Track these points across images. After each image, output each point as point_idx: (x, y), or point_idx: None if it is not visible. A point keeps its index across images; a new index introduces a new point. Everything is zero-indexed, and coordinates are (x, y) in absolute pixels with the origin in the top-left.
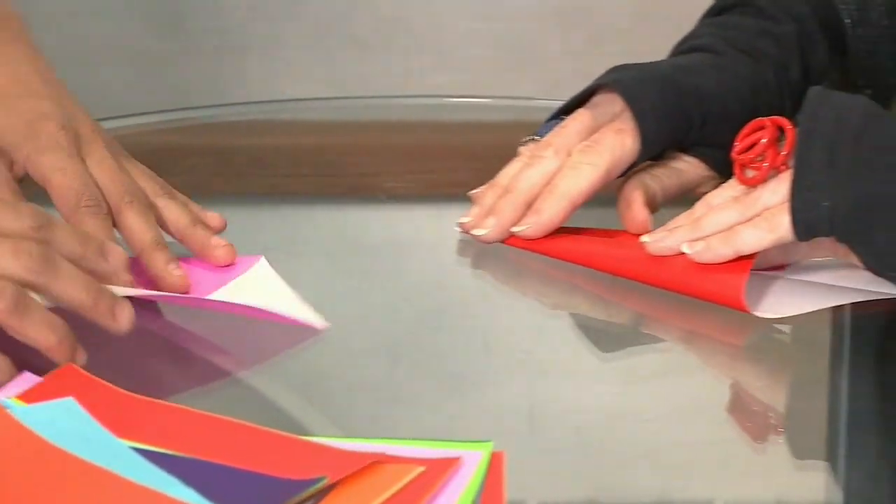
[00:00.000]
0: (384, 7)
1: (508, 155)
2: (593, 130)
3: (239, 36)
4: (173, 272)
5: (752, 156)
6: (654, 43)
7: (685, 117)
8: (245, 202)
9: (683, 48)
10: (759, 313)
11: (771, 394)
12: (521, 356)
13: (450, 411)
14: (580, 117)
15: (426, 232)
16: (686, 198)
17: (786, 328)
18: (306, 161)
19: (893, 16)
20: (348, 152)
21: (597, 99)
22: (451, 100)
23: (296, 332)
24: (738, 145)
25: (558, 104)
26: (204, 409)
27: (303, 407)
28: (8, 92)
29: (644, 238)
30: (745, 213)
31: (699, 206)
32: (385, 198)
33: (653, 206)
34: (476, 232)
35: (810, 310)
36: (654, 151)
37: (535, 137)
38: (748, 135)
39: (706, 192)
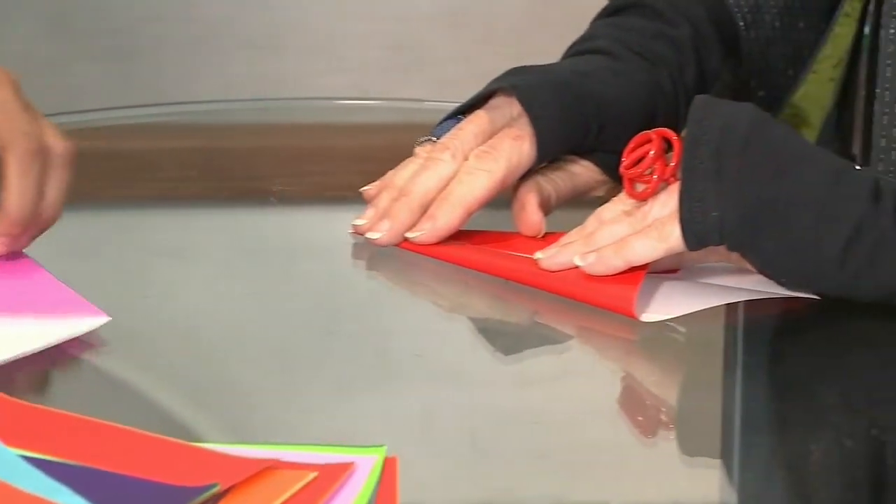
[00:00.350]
0: (276, 8)
1: (399, 157)
2: (490, 134)
3: (128, 38)
4: None
5: (640, 170)
6: (546, 44)
7: (583, 123)
8: (133, 207)
9: (579, 49)
10: (649, 317)
11: (665, 394)
12: (415, 359)
13: (343, 416)
14: (477, 120)
15: (318, 235)
16: (581, 200)
17: (680, 328)
18: (196, 164)
19: (786, 17)
20: (238, 155)
21: (495, 101)
22: (341, 102)
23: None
24: (626, 160)
25: (449, 106)
26: (93, 415)
27: (194, 412)
28: None
29: (537, 255)
30: (636, 227)
31: (591, 222)
32: (275, 201)
33: (546, 208)
34: (370, 235)
35: (700, 308)
36: (550, 157)
37: (432, 138)
38: (635, 149)
39: (599, 196)
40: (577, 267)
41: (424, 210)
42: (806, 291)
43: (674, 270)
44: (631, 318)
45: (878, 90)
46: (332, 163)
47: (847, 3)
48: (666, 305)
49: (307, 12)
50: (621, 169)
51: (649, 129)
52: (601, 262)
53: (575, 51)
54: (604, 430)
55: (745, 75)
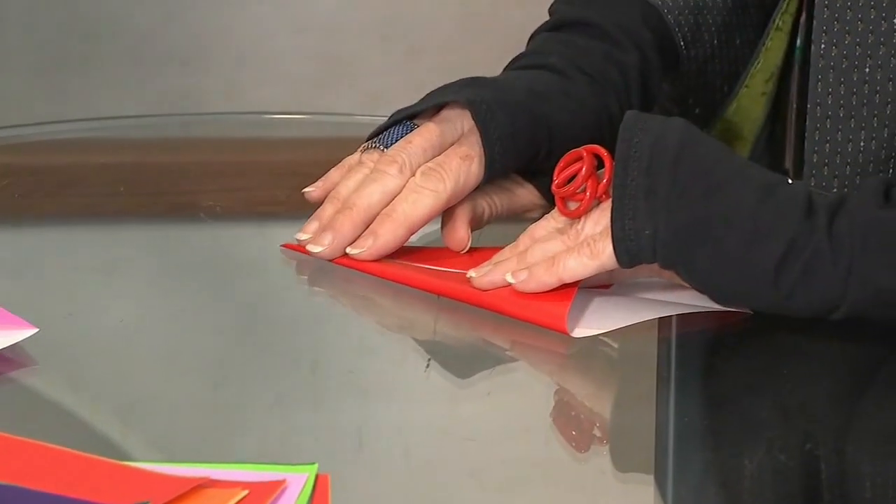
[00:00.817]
0: (203, 21)
1: (328, 171)
2: (439, 148)
3: (55, 52)
4: None
5: (573, 188)
6: (476, 57)
7: (533, 147)
8: (60, 223)
9: (529, 63)
10: (581, 332)
11: (598, 409)
12: (347, 375)
13: (275, 433)
14: (427, 133)
15: (249, 250)
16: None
17: (613, 343)
18: (124, 180)
19: (723, 34)
20: (167, 170)
21: (447, 113)
22: (270, 116)
23: None
24: (557, 178)
25: (380, 120)
26: (20, 434)
27: (123, 431)
28: None
29: (470, 273)
30: (569, 245)
31: (523, 240)
32: (205, 216)
33: (477, 224)
34: (312, 248)
35: (632, 323)
36: (497, 177)
37: (380, 147)
38: (566, 167)
39: (534, 218)
40: (509, 284)
41: (367, 224)
42: (740, 308)
43: (606, 286)
44: (563, 334)
45: (809, 105)
46: (262, 178)
47: (778, 17)
48: (598, 320)
49: (234, 25)
50: (553, 187)
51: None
52: (533, 279)
53: (524, 64)
54: (537, 445)
55: (682, 92)
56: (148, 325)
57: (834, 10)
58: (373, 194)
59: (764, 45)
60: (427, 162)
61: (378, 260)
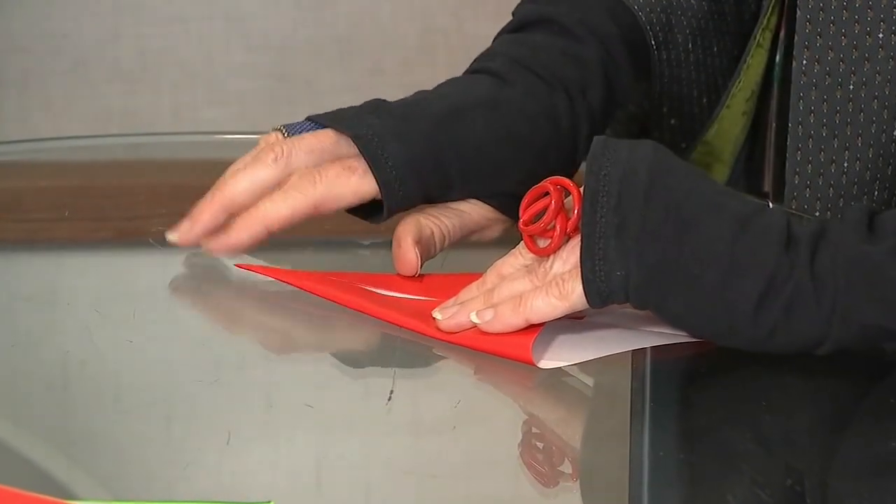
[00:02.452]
0: (150, 38)
1: None
2: (330, 154)
3: None
4: None
5: (541, 225)
6: (436, 74)
7: (440, 171)
8: (0, 250)
9: (473, 68)
10: (548, 364)
11: (568, 443)
12: (304, 409)
13: (229, 470)
14: (324, 136)
15: (200, 278)
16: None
17: (584, 373)
18: (68, 204)
19: (699, 38)
20: (114, 194)
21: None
22: (222, 136)
23: None
24: (524, 216)
25: None
26: None
27: (68, 468)
28: None
29: (435, 314)
30: (536, 284)
31: (490, 276)
32: (154, 242)
33: (429, 247)
34: (168, 235)
35: (602, 355)
36: (406, 206)
37: (283, 131)
38: (532, 202)
39: (495, 236)
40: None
41: (229, 212)
42: (719, 344)
43: (579, 317)
44: (529, 365)
45: (790, 124)
46: None
47: (759, 33)
48: (567, 351)
49: (183, 41)
50: (520, 225)
51: (532, 163)
52: (499, 319)
53: (470, 69)
54: (505, 482)
55: (656, 100)
56: (94, 357)
57: (816, 25)
58: (239, 182)
59: (745, 63)
60: (305, 162)
61: (339, 286)
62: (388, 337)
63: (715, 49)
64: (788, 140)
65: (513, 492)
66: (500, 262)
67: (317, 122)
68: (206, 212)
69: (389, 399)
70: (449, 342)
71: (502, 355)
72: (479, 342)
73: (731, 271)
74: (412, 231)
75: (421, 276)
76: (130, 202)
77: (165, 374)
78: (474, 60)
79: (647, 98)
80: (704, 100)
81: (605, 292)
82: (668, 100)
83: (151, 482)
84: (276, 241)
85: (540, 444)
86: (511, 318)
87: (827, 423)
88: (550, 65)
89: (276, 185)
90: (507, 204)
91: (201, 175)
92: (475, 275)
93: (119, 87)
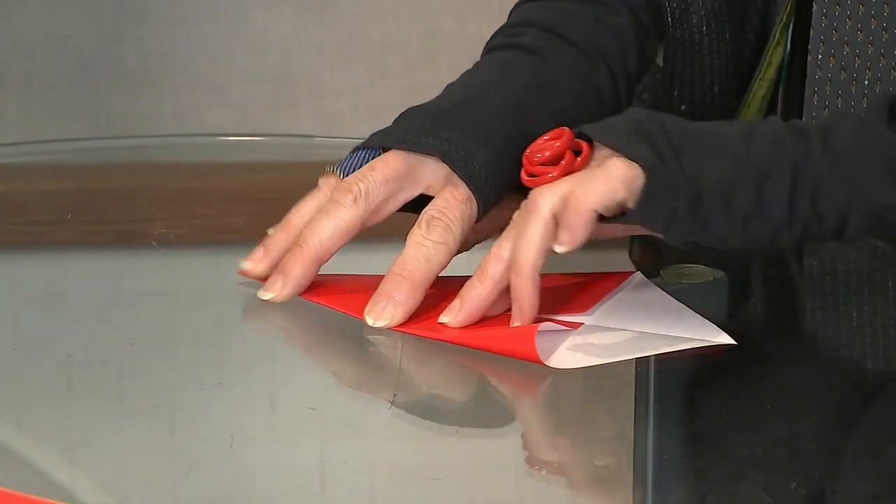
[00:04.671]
0: (152, 40)
1: (288, 197)
2: (406, 181)
3: None
4: None
5: (548, 157)
6: (438, 78)
7: (518, 167)
8: (2, 253)
9: (504, 43)
10: (556, 362)
11: (572, 446)
12: (308, 412)
13: (231, 473)
14: (393, 162)
15: (202, 281)
16: None
17: (587, 377)
18: (70, 207)
19: (713, 22)
20: (115, 197)
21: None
22: (224, 138)
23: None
24: (531, 148)
25: (342, 142)
26: None
27: (70, 471)
28: None
29: (443, 319)
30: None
31: (492, 264)
32: (156, 245)
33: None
34: (262, 295)
35: (609, 361)
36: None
37: (338, 173)
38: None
39: None
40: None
41: (321, 262)
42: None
43: (576, 325)
44: (536, 363)
45: (804, 119)
46: (216, 204)
47: (777, 30)
48: (571, 356)
49: (185, 44)
50: (525, 154)
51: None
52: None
53: (499, 44)
54: (507, 485)
55: (668, 82)
56: (96, 360)
57: (832, 20)
58: (324, 229)
59: (765, 60)
60: (384, 194)
61: (342, 294)
62: (391, 339)
63: (728, 36)
64: None
65: (516, 495)
66: (493, 249)
67: (375, 146)
68: (299, 266)
69: (392, 402)
70: (454, 343)
71: (508, 354)
72: (485, 342)
73: (757, 181)
74: None
75: None
76: (132, 205)
77: (168, 375)
78: (498, 32)
79: (657, 78)
80: (716, 88)
81: (656, 204)
82: (680, 83)
83: (153, 484)
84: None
85: (544, 448)
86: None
87: (833, 426)
88: (587, 35)
89: (361, 225)
90: None
91: (204, 177)
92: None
93: (121, 90)
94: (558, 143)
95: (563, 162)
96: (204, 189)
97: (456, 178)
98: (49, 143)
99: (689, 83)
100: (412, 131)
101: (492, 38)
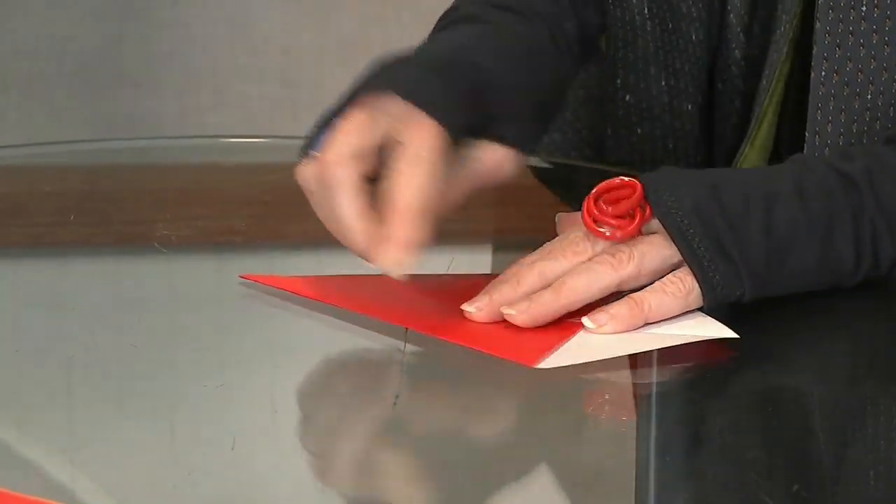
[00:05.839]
0: (155, 41)
1: (289, 198)
2: (382, 131)
3: None
4: None
5: (619, 211)
6: None
7: (474, 99)
8: (4, 255)
9: (445, 24)
10: (548, 364)
11: (572, 448)
12: (310, 415)
13: (233, 479)
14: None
15: (205, 284)
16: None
17: (587, 376)
18: (72, 209)
19: (654, 6)
20: (118, 198)
21: (372, 100)
22: (226, 140)
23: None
24: (596, 192)
25: None
26: None
27: (72, 474)
28: None
29: (468, 308)
30: (618, 268)
31: (530, 278)
32: (159, 247)
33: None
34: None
35: (606, 357)
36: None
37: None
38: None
39: (508, 176)
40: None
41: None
42: None
43: (577, 326)
44: (526, 366)
45: (807, 134)
46: (220, 206)
47: (785, 43)
48: (565, 352)
49: (187, 45)
50: (590, 202)
51: (537, 88)
52: (618, 321)
53: (441, 25)
54: (508, 486)
55: (611, 68)
56: (98, 363)
57: (836, 36)
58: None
59: (774, 74)
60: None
61: (343, 290)
62: (393, 340)
63: (671, 26)
64: (805, 149)
65: (518, 496)
66: (536, 263)
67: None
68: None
69: (395, 403)
70: (460, 344)
71: (506, 358)
72: (491, 345)
73: (821, 247)
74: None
75: (432, 276)
76: (135, 206)
77: (170, 378)
78: (439, 20)
79: (599, 67)
80: (663, 83)
81: (721, 302)
82: (623, 71)
83: (155, 488)
84: (274, 247)
85: (545, 449)
86: (631, 319)
87: (836, 428)
88: (522, 1)
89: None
90: (521, 136)
91: (206, 179)
92: (489, 276)
93: (123, 91)
94: (631, 199)
95: (633, 220)
96: (207, 191)
97: (406, 116)
98: (51, 145)
99: (633, 70)
100: (358, 84)
101: (435, 26)
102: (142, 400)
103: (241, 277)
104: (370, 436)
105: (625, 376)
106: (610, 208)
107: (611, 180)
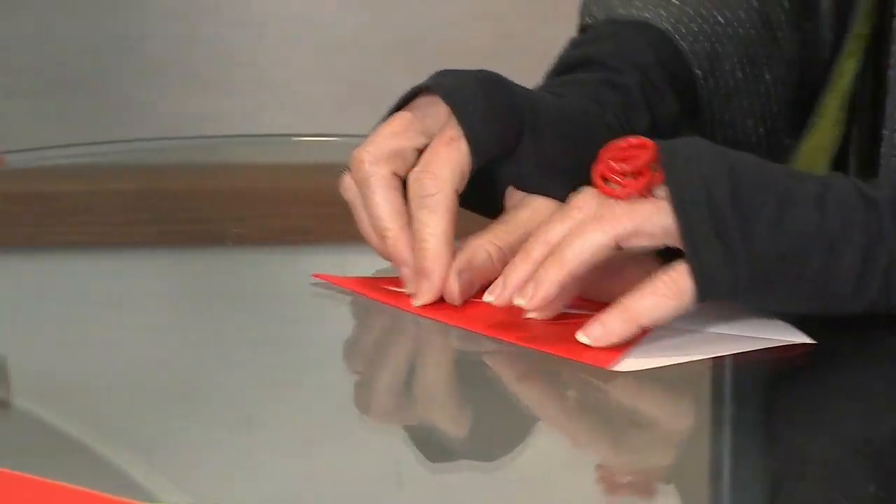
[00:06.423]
0: (226, 42)
1: None
2: (422, 134)
3: (67, 73)
4: None
5: (629, 169)
6: (509, 77)
7: (515, 118)
8: (73, 253)
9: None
10: (622, 368)
11: (643, 450)
12: (381, 415)
13: (300, 476)
14: (397, 120)
15: (275, 281)
16: None
17: (659, 376)
18: (143, 206)
19: (748, 67)
20: (189, 196)
21: (417, 102)
22: (295, 139)
23: None
24: (608, 152)
25: None
26: (36, 474)
27: (146, 471)
28: None
29: (486, 298)
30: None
31: (537, 247)
32: (230, 244)
33: (485, 274)
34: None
35: (682, 361)
36: (485, 158)
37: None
38: (626, 148)
39: None
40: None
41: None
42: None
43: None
44: (601, 368)
45: (885, 132)
46: (290, 204)
47: (850, 41)
48: (641, 355)
49: (256, 45)
50: (602, 155)
51: (589, 147)
52: (609, 334)
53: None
54: (580, 487)
55: (708, 130)
56: (167, 361)
57: None
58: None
59: (836, 70)
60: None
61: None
62: (471, 338)
63: (767, 77)
64: (882, 148)
65: (588, 498)
66: (541, 231)
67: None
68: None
69: (470, 404)
70: (534, 349)
71: (580, 361)
72: (564, 348)
73: (827, 255)
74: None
75: None
76: (205, 204)
77: (239, 377)
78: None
79: (698, 129)
80: (761, 129)
81: (713, 294)
82: (722, 128)
83: (227, 485)
84: (345, 246)
85: (616, 449)
86: (625, 332)
87: None
88: (593, 92)
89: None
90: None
91: (277, 177)
92: None
93: (192, 90)
94: (642, 158)
95: (642, 179)
96: (273, 190)
97: (452, 121)
98: (119, 143)
99: (731, 127)
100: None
101: None
102: (211, 398)
103: (315, 277)
104: (442, 437)
105: (696, 374)
106: (619, 166)
107: (626, 138)
